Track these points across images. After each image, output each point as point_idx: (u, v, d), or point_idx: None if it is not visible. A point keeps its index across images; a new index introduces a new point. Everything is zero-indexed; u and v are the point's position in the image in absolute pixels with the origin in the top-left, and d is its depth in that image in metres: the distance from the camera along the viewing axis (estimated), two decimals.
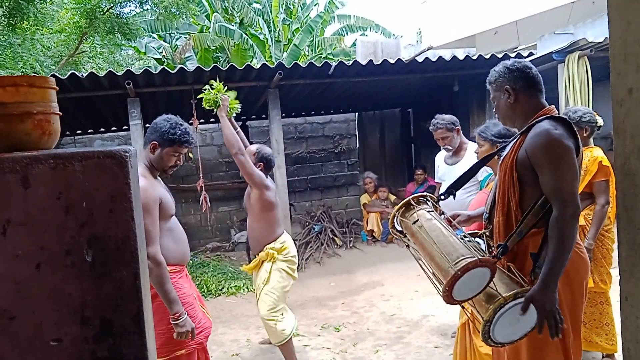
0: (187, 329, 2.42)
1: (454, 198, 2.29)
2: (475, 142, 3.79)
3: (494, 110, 2.21)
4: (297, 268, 6.47)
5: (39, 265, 1.07)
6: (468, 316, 2.58)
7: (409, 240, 2.12)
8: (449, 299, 1.87)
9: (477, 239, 2.21)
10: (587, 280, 2.10)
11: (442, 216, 2.14)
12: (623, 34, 1.15)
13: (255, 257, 3.65)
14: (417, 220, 2.02)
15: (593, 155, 3.20)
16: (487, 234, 2.19)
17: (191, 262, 6.63)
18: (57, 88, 1.24)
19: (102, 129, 8.14)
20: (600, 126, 3.33)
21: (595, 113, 3.32)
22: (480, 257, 1.82)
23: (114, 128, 8.12)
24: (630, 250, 1.18)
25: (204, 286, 5.98)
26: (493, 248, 2.12)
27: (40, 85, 1.18)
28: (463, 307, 2.04)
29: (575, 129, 2.00)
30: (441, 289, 1.88)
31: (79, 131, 7.96)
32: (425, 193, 2.21)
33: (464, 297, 1.89)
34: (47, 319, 1.08)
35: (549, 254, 1.87)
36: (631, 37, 1.12)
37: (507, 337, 1.92)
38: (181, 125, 2.58)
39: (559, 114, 2.08)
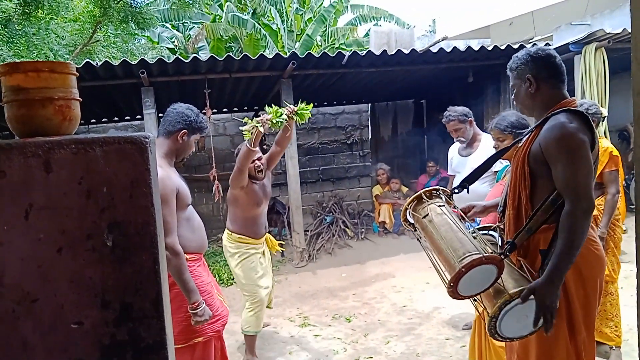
0: (205, 318, 2.44)
1: (467, 192, 2.25)
2: (489, 133, 3.78)
3: (513, 97, 2.15)
4: (309, 258, 6.58)
5: (61, 249, 1.08)
6: (479, 313, 2.58)
7: (419, 233, 2.12)
8: (454, 294, 1.88)
9: (491, 232, 2.20)
10: (602, 278, 2.04)
11: (455, 210, 2.14)
12: None
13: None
14: (428, 214, 2.03)
15: (603, 145, 3.23)
16: (502, 227, 2.16)
17: None
18: (77, 74, 1.24)
19: (116, 118, 8.19)
20: (605, 117, 3.36)
21: (598, 105, 3.36)
22: (485, 255, 1.80)
23: (127, 117, 8.17)
24: None
25: (216, 275, 6.02)
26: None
27: (61, 71, 1.19)
28: (475, 301, 2.04)
29: (592, 123, 1.95)
30: (446, 284, 1.89)
31: (93, 120, 8.03)
32: (437, 187, 2.20)
33: (470, 293, 1.89)
34: (68, 302, 1.09)
35: (556, 249, 1.83)
36: None
37: (515, 332, 1.91)
38: (200, 113, 2.68)
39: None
